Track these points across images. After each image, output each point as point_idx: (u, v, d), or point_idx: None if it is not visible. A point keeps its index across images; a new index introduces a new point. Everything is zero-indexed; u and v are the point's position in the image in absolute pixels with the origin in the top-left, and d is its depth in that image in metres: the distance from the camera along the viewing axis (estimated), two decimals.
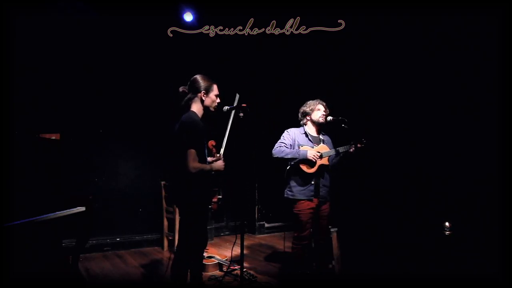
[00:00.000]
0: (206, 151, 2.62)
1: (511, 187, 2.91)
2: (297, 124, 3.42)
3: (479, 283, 2.90)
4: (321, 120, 3.25)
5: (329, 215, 3.28)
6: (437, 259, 3.40)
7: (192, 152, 2.45)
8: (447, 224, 3.41)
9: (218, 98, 2.69)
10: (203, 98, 2.62)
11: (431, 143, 4.03)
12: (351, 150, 3.16)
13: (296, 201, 3.16)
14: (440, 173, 3.91)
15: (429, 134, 4.05)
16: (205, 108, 2.66)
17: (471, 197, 3.56)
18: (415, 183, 4.14)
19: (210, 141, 2.90)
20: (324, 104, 3.30)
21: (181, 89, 2.68)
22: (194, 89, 2.62)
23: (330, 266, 3.51)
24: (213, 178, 2.75)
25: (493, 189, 3.24)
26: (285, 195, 3.23)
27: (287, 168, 3.25)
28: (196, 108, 2.63)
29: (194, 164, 2.45)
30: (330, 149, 3.26)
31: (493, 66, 3.26)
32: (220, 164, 2.65)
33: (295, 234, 3.18)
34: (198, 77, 2.65)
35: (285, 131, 3.33)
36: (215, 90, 2.67)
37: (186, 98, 2.65)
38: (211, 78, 2.69)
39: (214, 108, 2.69)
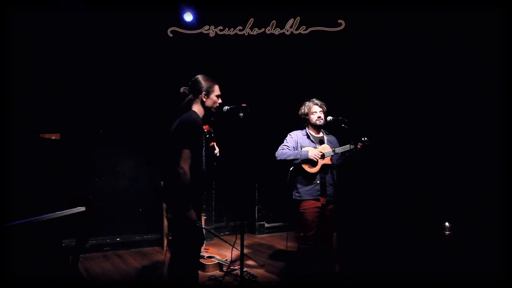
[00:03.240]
0: (203, 152, 2.56)
1: (511, 187, 2.91)
2: (297, 123, 3.43)
3: (479, 283, 2.90)
4: (318, 123, 3.25)
5: (334, 215, 3.27)
6: (437, 259, 3.40)
7: (186, 152, 2.36)
8: (447, 224, 3.41)
9: (219, 99, 2.62)
10: (204, 99, 2.55)
11: (431, 143, 4.03)
12: (353, 149, 3.15)
13: (302, 201, 3.17)
14: (440, 173, 3.92)
15: (429, 134, 4.05)
16: (206, 109, 2.59)
17: (471, 197, 3.56)
18: (415, 183, 4.15)
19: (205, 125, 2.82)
20: (319, 103, 3.27)
21: (182, 89, 2.62)
22: (195, 90, 2.56)
23: (333, 268, 3.50)
24: (205, 183, 2.68)
25: (493, 189, 3.24)
26: (293, 197, 3.24)
27: (290, 169, 3.25)
28: (197, 108, 2.56)
29: (184, 165, 2.34)
30: (333, 149, 3.26)
31: (494, 65, 3.26)
32: (193, 215, 2.40)
33: (301, 234, 3.18)
34: (199, 77, 2.59)
35: (288, 135, 3.36)
36: (216, 90, 2.59)
37: (187, 99, 2.59)
38: (212, 79, 2.62)
39: (215, 108, 2.62)
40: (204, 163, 2.59)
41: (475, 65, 3.59)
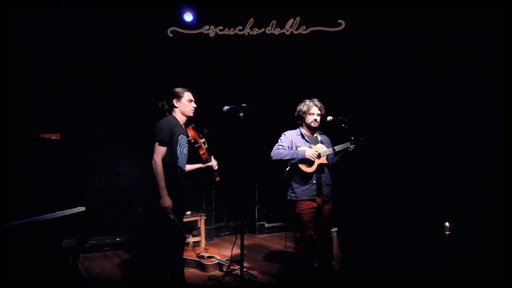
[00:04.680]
0: (179, 151, 2.79)
1: (511, 187, 2.91)
2: (297, 123, 3.41)
3: (479, 283, 2.90)
4: (313, 125, 3.25)
5: (331, 215, 3.26)
6: (437, 259, 3.40)
7: (156, 145, 2.68)
8: (447, 224, 3.41)
9: (192, 103, 2.93)
10: (176, 104, 2.89)
11: (431, 143, 4.02)
12: (351, 148, 3.14)
13: (299, 201, 3.15)
14: (440, 173, 3.91)
15: (429, 134, 4.05)
16: (183, 114, 2.91)
17: (471, 197, 3.55)
18: (415, 183, 4.14)
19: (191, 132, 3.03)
20: (319, 105, 3.25)
21: (160, 103, 2.94)
22: (169, 99, 2.91)
23: (333, 268, 3.50)
24: (186, 181, 2.88)
25: (493, 189, 3.24)
26: (288, 197, 3.23)
27: (287, 169, 3.24)
28: (175, 114, 2.90)
29: (156, 158, 2.66)
30: (328, 148, 3.26)
31: (494, 65, 3.26)
32: (167, 202, 2.65)
33: (298, 235, 3.17)
34: (173, 89, 2.93)
35: (282, 134, 3.35)
36: (187, 96, 2.91)
37: (164, 109, 2.93)
38: (184, 87, 2.95)
39: (191, 112, 2.92)
40: (181, 160, 2.83)
41: (475, 65, 3.59)
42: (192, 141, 2.98)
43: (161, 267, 2.73)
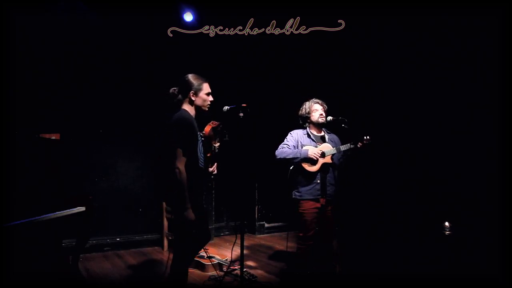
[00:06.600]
0: (199, 151, 2.52)
1: (511, 187, 2.92)
2: (297, 123, 3.42)
3: (479, 283, 2.90)
4: (321, 120, 3.22)
5: (334, 216, 3.25)
6: (437, 259, 3.40)
7: (179, 151, 2.33)
8: (447, 224, 3.42)
9: (210, 96, 2.58)
10: (193, 98, 2.52)
11: (431, 143, 4.03)
12: (359, 145, 3.12)
13: (302, 201, 3.15)
14: (441, 173, 3.92)
15: (429, 135, 4.05)
16: (197, 108, 2.56)
17: (471, 197, 3.56)
18: (415, 183, 4.15)
19: (209, 126, 2.72)
20: (320, 102, 3.26)
21: (171, 90, 2.60)
22: (184, 90, 2.54)
23: (333, 268, 3.50)
24: (204, 180, 2.65)
25: (493, 189, 3.24)
26: (293, 196, 3.21)
27: (290, 168, 3.24)
28: (188, 108, 2.54)
29: (179, 165, 2.32)
30: (334, 147, 3.24)
31: (493, 65, 3.26)
32: (192, 215, 2.39)
33: (300, 234, 3.16)
34: (187, 77, 2.56)
35: (289, 133, 3.34)
36: (205, 88, 2.55)
37: (176, 99, 2.57)
38: (202, 77, 2.59)
39: (207, 107, 2.59)
40: (201, 160, 2.56)
41: (475, 66, 3.59)
42: (203, 139, 2.69)
43: (179, 270, 2.56)
